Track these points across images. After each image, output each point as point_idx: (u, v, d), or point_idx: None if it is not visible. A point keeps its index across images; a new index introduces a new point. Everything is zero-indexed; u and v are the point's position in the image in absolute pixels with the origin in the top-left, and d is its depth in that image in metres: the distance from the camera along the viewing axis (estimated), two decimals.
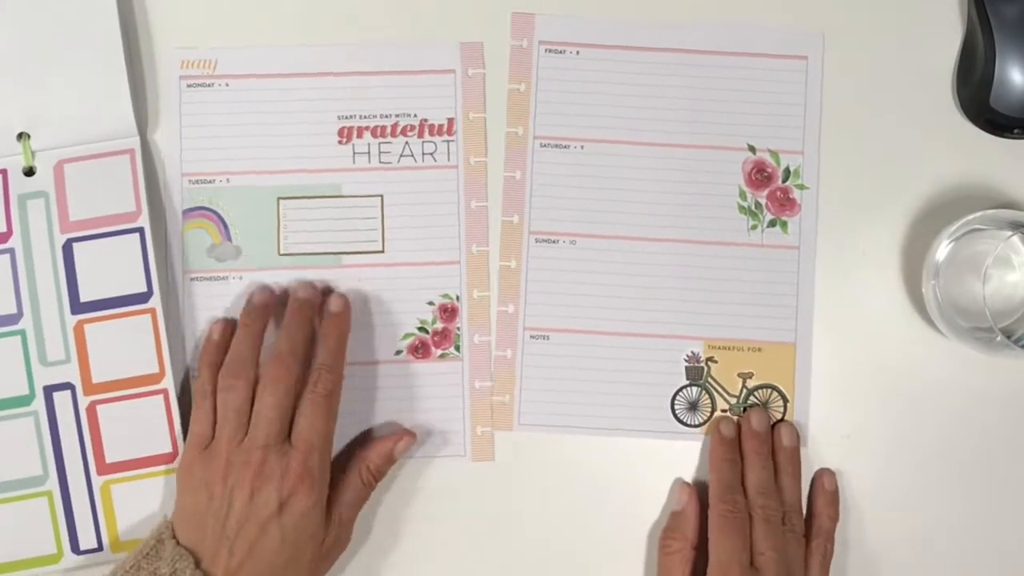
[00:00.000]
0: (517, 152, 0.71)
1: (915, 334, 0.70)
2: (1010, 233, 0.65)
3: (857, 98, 0.71)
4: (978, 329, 0.66)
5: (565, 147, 0.71)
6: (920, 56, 0.71)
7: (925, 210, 0.70)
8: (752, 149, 0.71)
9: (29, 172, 0.68)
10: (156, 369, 0.67)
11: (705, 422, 0.69)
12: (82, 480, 0.67)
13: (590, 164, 0.71)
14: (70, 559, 0.67)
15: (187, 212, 0.70)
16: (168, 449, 0.67)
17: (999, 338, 0.64)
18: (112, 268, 0.67)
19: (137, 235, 0.68)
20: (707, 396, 0.70)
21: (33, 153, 0.68)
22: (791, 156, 0.71)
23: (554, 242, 0.70)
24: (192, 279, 0.69)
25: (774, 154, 0.71)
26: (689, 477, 0.69)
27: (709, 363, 0.70)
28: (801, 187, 0.71)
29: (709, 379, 0.70)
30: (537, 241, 0.70)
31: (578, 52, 0.72)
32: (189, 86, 0.71)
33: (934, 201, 0.70)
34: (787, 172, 0.71)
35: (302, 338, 0.67)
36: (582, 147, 0.71)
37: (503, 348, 0.70)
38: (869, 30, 0.71)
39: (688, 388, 0.70)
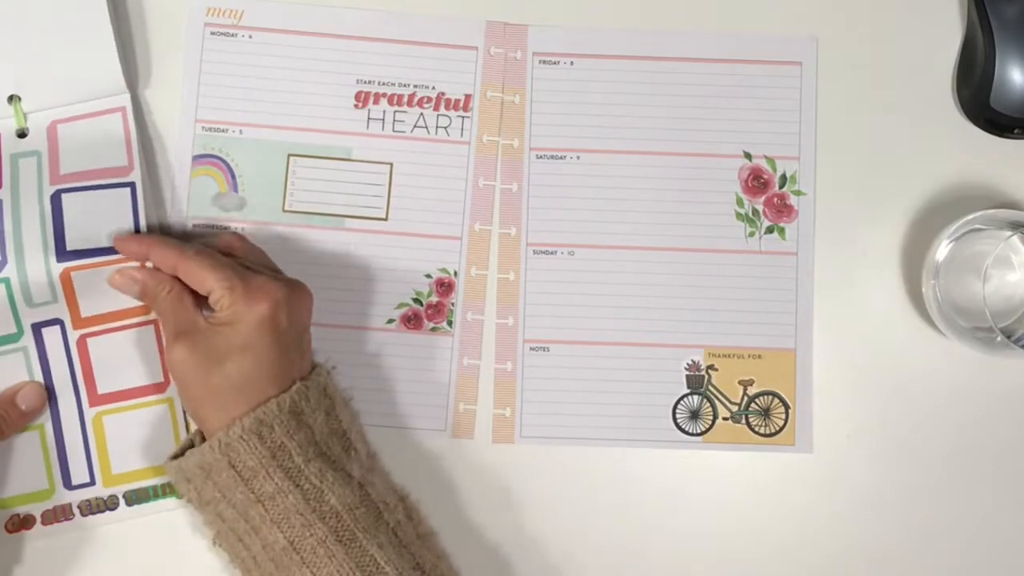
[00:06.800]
0: (513, 164, 0.71)
1: (915, 334, 0.70)
2: (1010, 233, 0.65)
3: (856, 100, 0.71)
4: (978, 329, 0.66)
5: (561, 158, 0.71)
6: (920, 56, 0.71)
7: (925, 210, 0.70)
8: (748, 156, 0.70)
9: (22, 134, 0.68)
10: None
11: (707, 431, 0.69)
12: (74, 412, 0.67)
13: (586, 174, 0.71)
14: (62, 494, 0.67)
15: (197, 159, 0.70)
16: (160, 379, 0.67)
17: (999, 338, 0.64)
18: (101, 220, 0.67)
19: (128, 189, 0.67)
20: (708, 404, 0.69)
21: (25, 115, 0.68)
22: (787, 162, 0.70)
23: (552, 253, 0.70)
24: (195, 226, 0.70)
25: (770, 160, 0.70)
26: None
27: (710, 371, 0.69)
28: (798, 193, 0.70)
29: (710, 387, 0.69)
30: (535, 253, 0.70)
31: (572, 63, 0.72)
32: (212, 34, 0.71)
33: (934, 201, 0.70)
34: (784, 178, 0.70)
35: None
36: (578, 157, 0.71)
37: (503, 361, 0.70)
38: (868, 32, 0.71)
39: (689, 397, 0.69)
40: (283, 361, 0.62)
